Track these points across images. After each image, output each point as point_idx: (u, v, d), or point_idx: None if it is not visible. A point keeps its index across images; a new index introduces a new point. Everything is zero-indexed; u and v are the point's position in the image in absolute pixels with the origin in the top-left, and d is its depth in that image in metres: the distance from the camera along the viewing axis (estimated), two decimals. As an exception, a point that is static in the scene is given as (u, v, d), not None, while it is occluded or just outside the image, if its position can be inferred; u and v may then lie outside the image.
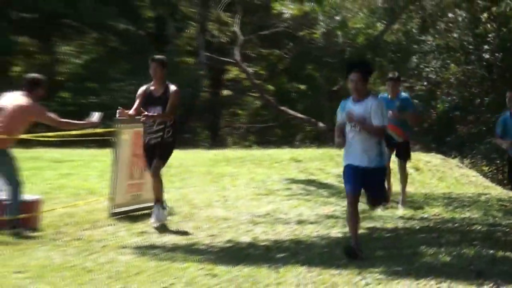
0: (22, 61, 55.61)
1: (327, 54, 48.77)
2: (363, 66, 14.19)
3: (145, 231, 19.05)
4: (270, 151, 36.17)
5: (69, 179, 25.79)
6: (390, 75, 22.60)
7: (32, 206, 18.75)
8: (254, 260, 15.53)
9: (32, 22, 55.92)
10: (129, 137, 21.05)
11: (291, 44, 50.80)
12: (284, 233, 19.08)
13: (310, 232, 19.22)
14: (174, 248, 17.16)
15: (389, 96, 20.77)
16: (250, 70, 52.15)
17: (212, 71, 54.77)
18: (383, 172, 14.96)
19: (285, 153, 34.53)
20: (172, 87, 17.73)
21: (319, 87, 50.74)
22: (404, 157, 21.39)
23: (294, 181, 26.92)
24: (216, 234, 18.79)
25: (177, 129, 17.50)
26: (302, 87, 56.33)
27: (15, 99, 19.20)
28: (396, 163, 22.05)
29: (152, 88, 17.91)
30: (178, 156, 22.79)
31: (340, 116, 14.64)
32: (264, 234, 18.93)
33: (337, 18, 40.23)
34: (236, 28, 48.99)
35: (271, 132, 52.48)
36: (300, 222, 20.29)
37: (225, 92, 56.84)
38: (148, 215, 20.55)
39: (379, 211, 18.76)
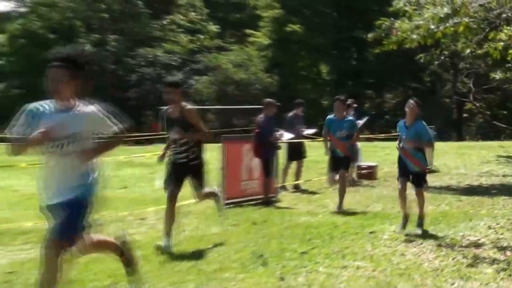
0: (368, 102, 56.40)
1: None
2: (69, 59, 6.11)
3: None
4: (488, 142, 35.56)
5: (389, 156, 24.33)
6: (337, 96, 14.89)
7: (372, 168, 18.97)
8: (479, 193, 15.52)
9: (372, 83, 56.69)
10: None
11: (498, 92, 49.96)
12: (496, 180, 18.72)
13: (509, 180, 18.79)
14: (436, 187, 16.84)
15: (337, 117, 13.43)
16: (477, 104, 52.06)
17: (457, 105, 54.53)
18: (81, 205, 6.37)
19: (496, 143, 33.96)
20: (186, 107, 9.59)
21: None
22: (344, 168, 13.48)
23: (501, 156, 26.12)
24: (460, 181, 18.59)
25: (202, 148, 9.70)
26: (505, 112, 54.36)
27: None
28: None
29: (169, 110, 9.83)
30: (441, 145, 22.20)
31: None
32: (485, 181, 18.55)
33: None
34: (470, 85, 48.75)
35: (486, 134, 51.49)
36: (504, 175, 19.76)
37: (465, 115, 56.02)
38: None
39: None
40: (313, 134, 18.01)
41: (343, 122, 13.49)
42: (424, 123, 10.84)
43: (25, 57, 51.45)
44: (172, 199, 9.50)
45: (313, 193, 15.72)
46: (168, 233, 9.37)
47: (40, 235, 10.09)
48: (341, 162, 13.52)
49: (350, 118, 13.99)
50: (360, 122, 16.89)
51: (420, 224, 10.65)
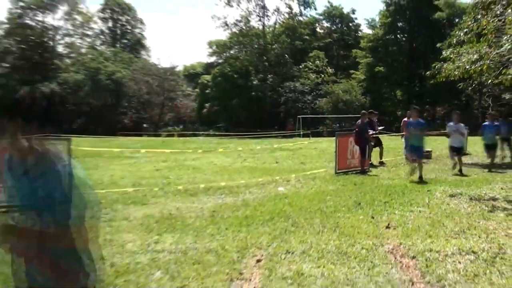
0: (426, 112, 53.75)
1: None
2: None
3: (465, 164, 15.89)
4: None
5: (439, 144, 21.40)
6: None
7: (429, 152, 17.54)
8: (496, 168, 14.23)
9: (428, 102, 54.16)
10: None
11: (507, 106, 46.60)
12: (506, 160, 16.71)
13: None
14: (469, 164, 15.12)
15: None
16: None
17: (481, 114, 50.93)
18: None
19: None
20: None
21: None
22: None
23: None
24: (484, 160, 15.37)
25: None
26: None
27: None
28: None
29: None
30: (473, 139, 19.89)
31: None
32: (500, 161, 16.22)
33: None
34: (490, 102, 45.61)
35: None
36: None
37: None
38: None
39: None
40: (382, 130, 17.63)
41: None
42: None
43: (220, 88, 54.97)
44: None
45: (391, 167, 15.30)
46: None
47: (230, 190, 10.57)
48: None
49: None
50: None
51: None
